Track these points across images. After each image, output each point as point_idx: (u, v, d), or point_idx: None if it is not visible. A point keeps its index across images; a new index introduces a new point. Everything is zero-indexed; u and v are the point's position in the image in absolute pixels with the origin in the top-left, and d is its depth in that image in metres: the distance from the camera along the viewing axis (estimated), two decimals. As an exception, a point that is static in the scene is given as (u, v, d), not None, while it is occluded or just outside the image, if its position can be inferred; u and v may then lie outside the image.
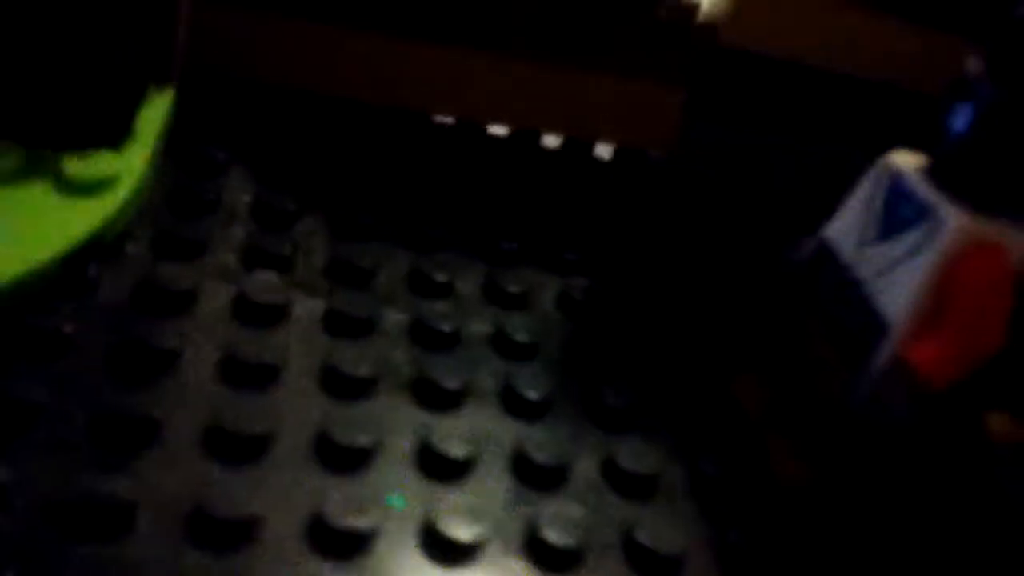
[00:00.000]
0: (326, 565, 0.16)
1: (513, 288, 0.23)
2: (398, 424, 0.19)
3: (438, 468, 0.18)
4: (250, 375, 0.19)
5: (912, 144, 0.20)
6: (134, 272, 0.20)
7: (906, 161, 0.17)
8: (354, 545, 0.16)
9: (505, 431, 0.19)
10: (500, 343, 0.22)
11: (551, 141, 0.30)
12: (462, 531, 0.17)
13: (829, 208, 0.20)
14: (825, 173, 0.27)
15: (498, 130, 0.30)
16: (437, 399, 0.20)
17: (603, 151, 0.31)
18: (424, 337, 0.21)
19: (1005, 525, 0.18)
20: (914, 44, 0.28)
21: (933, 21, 0.28)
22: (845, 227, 0.18)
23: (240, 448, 0.17)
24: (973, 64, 0.16)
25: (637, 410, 0.21)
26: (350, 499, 0.16)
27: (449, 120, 0.29)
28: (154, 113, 0.23)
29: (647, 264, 0.26)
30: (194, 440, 0.17)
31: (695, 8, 0.28)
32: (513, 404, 0.20)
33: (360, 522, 0.16)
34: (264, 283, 0.21)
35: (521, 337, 0.22)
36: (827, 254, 0.19)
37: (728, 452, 0.20)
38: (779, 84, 0.29)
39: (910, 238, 0.17)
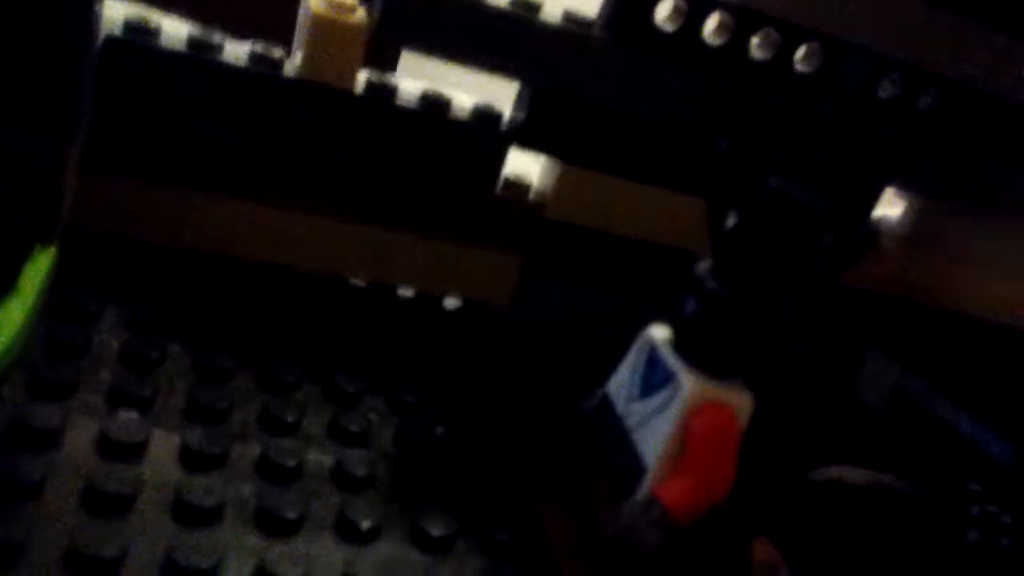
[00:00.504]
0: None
1: (354, 427, 0.26)
2: (239, 549, 0.21)
3: (272, 588, 0.21)
4: (108, 502, 0.21)
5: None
6: (8, 412, 0.22)
7: (661, 333, 0.22)
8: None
9: (336, 555, 0.22)
10: (339, 476, 0.25)
11: (406, 293, 0.34)
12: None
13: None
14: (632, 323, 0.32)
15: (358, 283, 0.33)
16: (276, 527, 0.22)
17: (451, 303, 0.35)
18: (270, 471, 0.24)
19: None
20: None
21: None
22: (618, 384, 0.23)
23: (95, 569, 0.19)
24: (701, 264, 0.21)
25: (456, 537, 0.24)
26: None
27: (313, 275, 0.32)
28: (37, 268, 0.26)
29: (477, 404, 0.29)
30: (53, 563, 0.19)
31: (527, 188, 0.33)
32: (346, 531, 0.23)
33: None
34: (126, 421, 0.23)
35: (358, 471, 0.25)
36: (607, 406, 0.23)
37: (529, 572, 0.24)
38: (596, 249, 0.34)
39: (660, 397, 0.21)
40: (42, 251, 0.26)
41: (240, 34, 0.31)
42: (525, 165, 0.34)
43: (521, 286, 0.34)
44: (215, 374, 0.26)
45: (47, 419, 0.22)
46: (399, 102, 0.30)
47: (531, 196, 0.33)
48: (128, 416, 0.24)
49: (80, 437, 0.23)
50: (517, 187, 0.33)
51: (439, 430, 0.27)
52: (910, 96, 0.34)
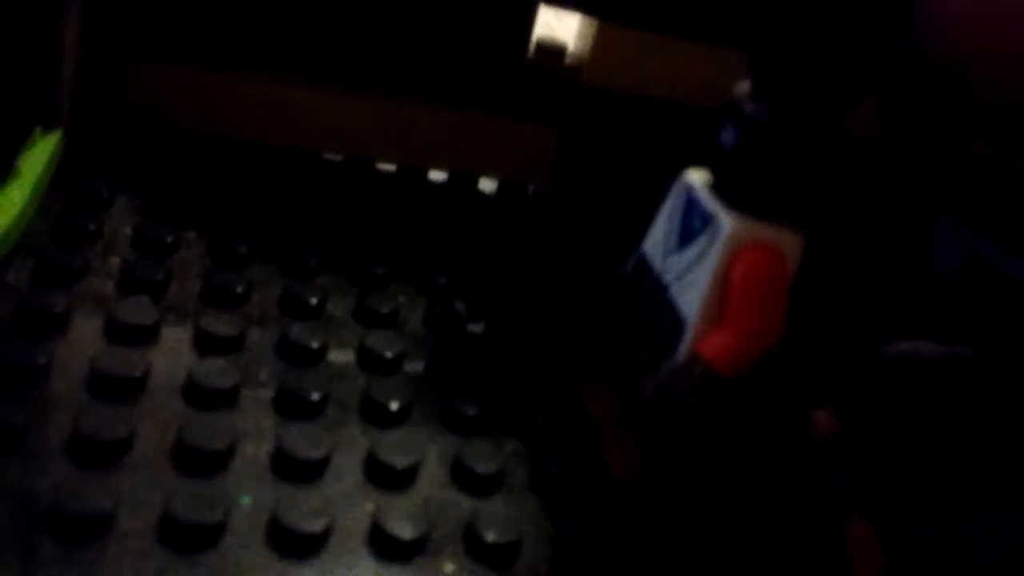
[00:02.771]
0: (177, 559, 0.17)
1: (382, 309, 0.25)
2: (255, 433, 0.20)
3: (291, 470, 0.19)
4: (114, 388, 0.20)
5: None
6: (11, 298, 0.21)
7: (697, 176, 0.19)
8: (202, 540, 0.17)
9: (361, 437, 0.21)
10: (365, 359, 0.23)
11: (437, 176, 0.32)
12: (308, 523, 0.18)
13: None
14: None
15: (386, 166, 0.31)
16: (297, 408, 0.21)
17: (487, 184, 0.33)
18: (290, 353, 0.22)
19: (824, 511, 0.20)
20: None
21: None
22: (655, 239, 0.20)
23: (100, 453, 0.18)
24: (740, 86, 0.18)
25: (489, 417, 0.22)
26: (201, 497, 0.18)
27: (338, 157, 0.30)
28: (39, 153, 0.25)
29: (512, 284, 0.28)
30: (57, 446, 0.18)
31: (562, 51, 0.31)
32: (372, 413, 0.22)
33: (207, 518, 0.17)
34: (135, 306, 0.22)
35: (385, 352, 0.23)
36: (643, 265, 0.21)
37: (570, 452, 0.22)
38: (640, 118, 0.31)
39: (699, 244, 0.19)
40: (45, 134, 0.25)
41: None
42: (558, 25, 0.31)
43: (559, 162, 0.31)
44: (232, 258, 0.25)
45: (53, 303, 0.21)
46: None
47: (567, 60, 0.31)
48: (139, 300, 0.22)
49: (88, 322, 0.21)
50: (550, 51, 0.30)
51: (465, 308, 0.25)
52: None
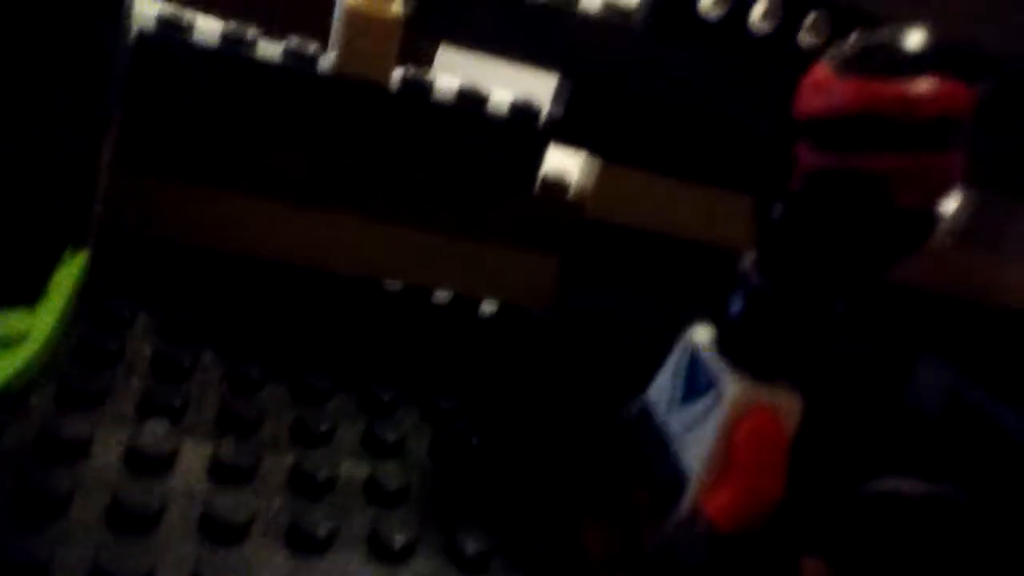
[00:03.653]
0: None
1: (389, 437, 0.25)
2: (268, 569, 0.21)
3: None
4: (133, 521, 0.20)
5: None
6: (36, 421, 0.22)
7: (703, 335, 0.21)
8: None
9: (369, 575, 0.22)
10: (372, 490, 0.24)
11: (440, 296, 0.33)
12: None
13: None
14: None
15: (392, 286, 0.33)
16: (307, 544, 0.22)
17: (488, 308, 0.34)
18: (301, 484, 0.23)
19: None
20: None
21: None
22: (659, 390, 0.21)
23: (119, 589, 0.19)
24: (745, 259, 0.20)
25: (490, 553, 0.23)
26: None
27: (347, 278, 0.32)
28: (67, 273, 0.26)
29: (515, 412, 0.28)
30: (78, 581, 0.19)
31: (566, 187, 0.32)
32: (378, 549, 0.22)
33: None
34: (155, 432, 0.23)
35: (392, 484, 0.24)
36: (647, 413, 0.22)
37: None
38: (638, 250, 0.33)
39: (703, 402, 0.20)
40: (73, 254, 0.26)
41: (275, 31, 0.30)
42: (564, 162, 0.33)
43: (560, 289, 0.33)
44: (247, 383, 0.26)
45: (76, 430, 0.22)
46: (435, 98, 0.29)
47: (570, 195, 0.32)
48: (158, 426, 0.23)
49: (109, 449, 0.22)
50: (556, 186, 0.32)
51: (474, 439, 0.26)
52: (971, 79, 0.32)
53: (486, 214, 0.31)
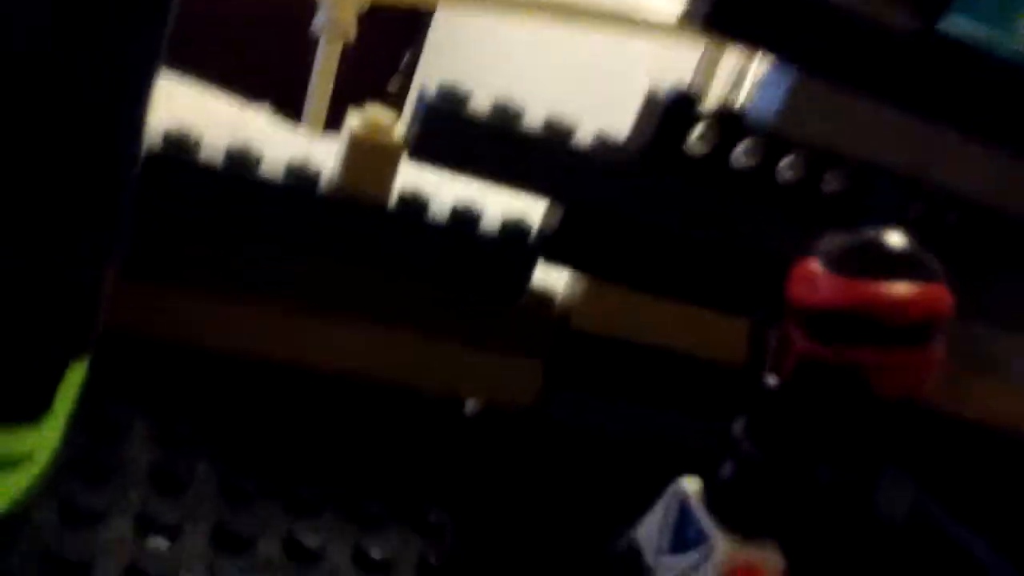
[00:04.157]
0: None
1: (377, 555, 0.26)
2: None
3: None
4: (135, 646, 0.21)
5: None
6: (39, 542, 0.23)
7: (692, 486, 0.22)
8: None
9: None
10: (362, 608, 0.25)
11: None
12: None
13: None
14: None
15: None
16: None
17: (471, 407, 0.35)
18: (295, 605, 0.24)
19: None
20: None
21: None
22: (648, 533, 0.23)
23: None
24: (737, 425, 0.21)
25: None
26: None
27: (339, 379, 0.33)
28: (70, 385, 0.26)
29: (502, 524, 0.29)
30: None
31: (553, 299, 0.33)
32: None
33: None
34: (155, 554, 0.23)
35: (381, 603, 0.25)
36: (635, 554, 0.23)
37: None
38: (620, 360, 0.34)
39: (692, 557, 0.21)
40: (75, 365, 0.27)
41: (254, 98, 0.31)
42: (552, 276, 0.34)
43: (545, 398, 0.34)
44: (241, 496, 0.26)
45: (78, 551, 0.22)
46: (431, 215, 0.31)
47: (557, 307, 0.33)
48: (157, 546, 0.24)
49: (110, 569, 0.23)
50: (542, 297, 0.33)
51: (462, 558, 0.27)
52: (936, 217, 0.34)
53: (475, 321, 0.33)
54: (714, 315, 0.34)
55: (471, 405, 0.35)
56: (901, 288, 0.19)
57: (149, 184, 0.28)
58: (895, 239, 0.19)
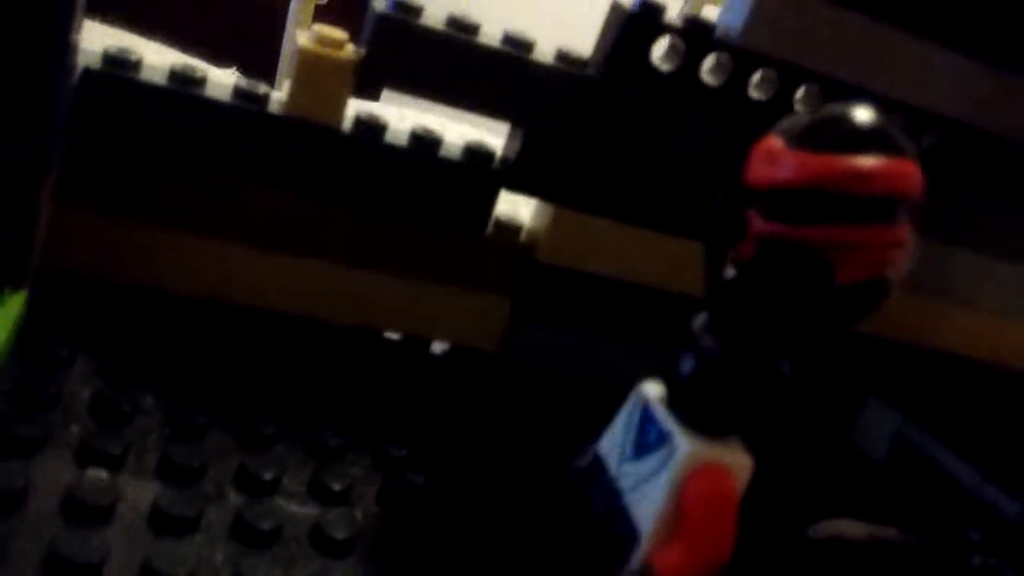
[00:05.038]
0: None
1: (336, 485, 0.25)
2: (209, 623, 0.20)
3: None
4: (72, 573, 0.20)
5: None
6: (-33, 471, 0.21)
7: (654, 390, 0.21)
8: None
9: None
10: (319, 540, 0.23)
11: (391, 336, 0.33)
12: None
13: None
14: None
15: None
16: (251, 597, 0.21)
17: (439, 347, 0.34)
18: (245, 534, 0.23)
19: None
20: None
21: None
22: (610, 443, 0.21)
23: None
24: (696, 318, 0.20)
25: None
26: None
27: (295, 318, 0.31)
28: (6, 315, 0.25)
29: (466, 459, 0.28)
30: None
31: (518, 230, 0.32)
32: (324, 600, 0.22)
33: None
34: (93, 482, 0.22)
35: (339, 534, 0.23)
36: (598, 466, 0.22)
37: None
38: (589, 294, 0.33)
39: (654, 459, 0.20)
40: (12, 295, 0.25)
41: (222, 61, 0.30)
42: (516, 204, 0.33)
43: (511, 331, 0.33)
44: (189, 429, 0.25)
45: (11, 479, 0.21)
46: (388, 139, 0.29)
47: (522, 238, 0.32)
48: (96, 475, 0.22)
49: (46, 498, 0.21)
50: (507, 228, 0.32)
51: (423, 487, 0.26)
52: (913, 136, 0.33)
53: (438, 255, 0.31)
54: (684, 243, 0.33)
55: (437, 345, 0.34)
56: (868, 161, 0.17)
57: (87, 104, 0.26)
58: (862, 113, 0.18)
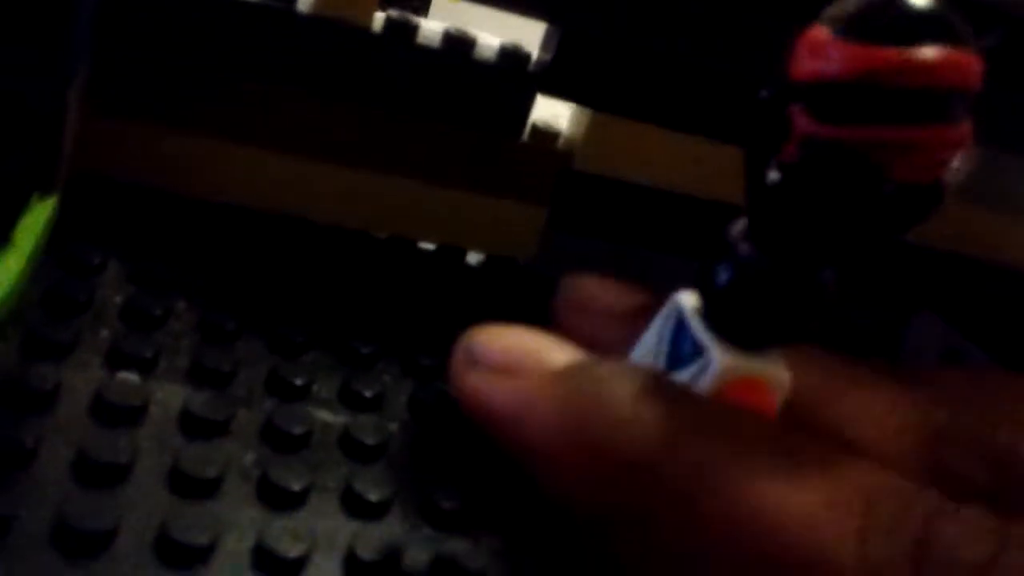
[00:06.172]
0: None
1: (367, 391, 0.25)
2: (238, 523, 0.20)
3: (272, 567, 0.20)
4: (100, 473, 0.20)
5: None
6: (1, 371, 0.21)
7: (689, 300, 0.20)
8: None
9: (341, 530, 0.21)
10: (348, 445, 0.23)
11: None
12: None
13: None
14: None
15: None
16: (280, 499, 0.21)
17: (473, 258, 0.33)
18: (275, 438, 0.23)
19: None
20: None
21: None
22: (643, 353, 0.21)
23: (83, 543, 0.18)
24: (734, 225, 0.19)
25: (469, 512, 0.22)
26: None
27: (328, 227, 0.31)
28: (34, 219, 0.25)
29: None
30: (41, 537, 0.18)
31: (555, 136, 0.31)
32: (353, 504, 0.22)
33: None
34: (123, 384, 0.22)
35: (369, 439, 0.23)
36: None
37: (550, 551, 0.22)
38: (628, 202, 0.32)
39: (688, 371, 0.19)
40: (41, 201, 0.25)
41: None
42: (555, 109, 0.32)
43: (547, 240, 0.32)
44: (221, 334, 0.25)
45: (41, 380, 0.21)
46: (420, 41, 0.28)
47: (559, 144, 0.31)
48: (127, 378, 0.23)
49: (76, 400, 0.22)
50: (544, 135, 0.31)
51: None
52: (975, 36, 0.31)
53: (472, 162, 0.30)
54: (725, 149, 0.31)
55: (472, 255, 0.33)
56: (926, 52, 0.16)
57: (113, 6, 0.26)
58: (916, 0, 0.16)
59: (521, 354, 0.20)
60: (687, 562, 0.17)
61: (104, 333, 0.24)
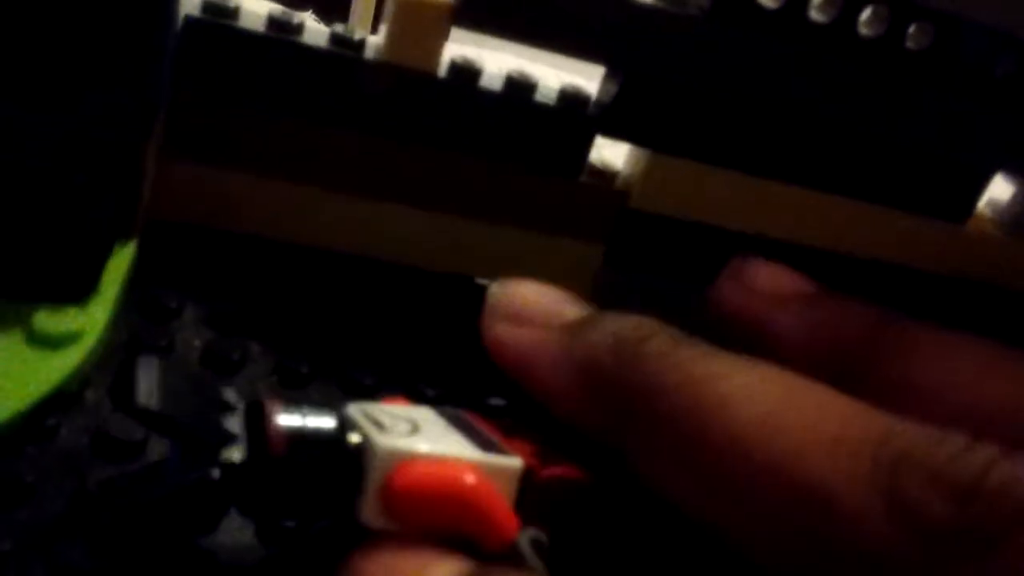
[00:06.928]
0: None
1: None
2: None
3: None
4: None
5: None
6: (91, 420, 0.22)
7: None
8: None
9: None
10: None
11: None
12: None
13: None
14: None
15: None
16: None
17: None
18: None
19: None
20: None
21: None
22: None
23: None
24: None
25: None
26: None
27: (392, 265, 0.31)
28: (117, 266, 0.25)
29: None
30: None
31: (614, 176, 0.32)
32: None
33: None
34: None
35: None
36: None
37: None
38: (682, 240, 0.32)
39: None
40: (122, 247, 0.26)
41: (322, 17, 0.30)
42: (611, 148, 0.32)
43: (602, 278, 0.32)
44: (296, 377, 0.26)
45: (130, 430, 0.22)
46: (483, 83, 0.29)
47: (617, 183, 0.32)
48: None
49: (164, 445, 0.22)
50: (602, 174, 0.32)
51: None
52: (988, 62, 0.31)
53: (531, 201, 0.31)
54: (781, 188, 0.32)
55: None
56: None
57: (189, 54, 0.27)
58: None
59: (537, 307, 0.23)
60: (691, 466, 0.19)
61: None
